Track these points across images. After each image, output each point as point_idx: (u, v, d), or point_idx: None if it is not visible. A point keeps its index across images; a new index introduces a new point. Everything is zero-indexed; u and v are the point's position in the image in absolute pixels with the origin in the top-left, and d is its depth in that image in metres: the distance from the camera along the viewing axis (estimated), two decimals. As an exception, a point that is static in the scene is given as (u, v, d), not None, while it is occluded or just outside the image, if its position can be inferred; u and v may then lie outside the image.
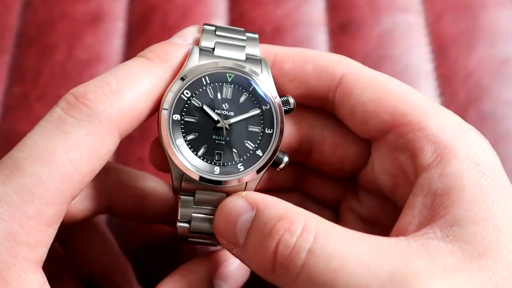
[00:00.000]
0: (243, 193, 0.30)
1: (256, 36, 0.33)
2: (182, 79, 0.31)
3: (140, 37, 0.50)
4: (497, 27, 0.50)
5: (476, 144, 0.29)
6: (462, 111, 0.46)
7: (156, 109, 0.31)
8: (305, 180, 0.37)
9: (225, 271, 0.33)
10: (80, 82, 0.49)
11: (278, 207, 0.29)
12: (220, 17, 0.51)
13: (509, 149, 0.44)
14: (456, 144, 0.29)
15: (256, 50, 0.33)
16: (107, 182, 0.35)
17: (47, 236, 0.28)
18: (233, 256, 0.32)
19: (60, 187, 0.28)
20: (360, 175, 0.34)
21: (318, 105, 0.34)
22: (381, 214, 0.34)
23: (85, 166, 0.29)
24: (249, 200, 0.30)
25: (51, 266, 0.29)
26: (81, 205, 0.34)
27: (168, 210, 0.37)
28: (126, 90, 0.30)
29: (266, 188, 0.35)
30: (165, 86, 0.31)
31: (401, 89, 0.31)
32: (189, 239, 0.32)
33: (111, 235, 0.40)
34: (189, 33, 0.34)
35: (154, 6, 0.51)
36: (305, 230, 0.28)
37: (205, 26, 0.33)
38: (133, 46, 0.49)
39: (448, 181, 0.28)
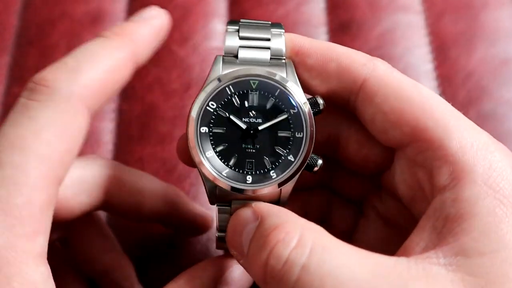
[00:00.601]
0: (253, 203, 0.30)
1: (281, 31, 0.32)
2: (206, 91, 0.30)
3: (140, 37, 0.50)
4: (498, 27, 0.50)
5: (498, 168, 0.28)
6: (462, 111, 0.45)
7: (121, 81, 0.32)
8: (332, 177, 0.36)
9: (230, 277, 0.33)
10: (80, 82, 0.49)
11: (278, 217, 0.28)
12: (220, 17, 0.51)
13: (509, 149, 0.44)
14: (476, 167, 0.27)
15: (281, 48, 0.32)
16: (103, 176, 0.35)
17: (42, 223, 0.28)
18: (237, 263, 0.32)
19: (40, 170, 0.28)
20: (383, 177, 0.33)
21: (341, 105, 0.32)
22: (400, 217, 0.33)
23: (59, 144, 0.28)
24: (255, 210, 0.29)
25: (51, 262, 0.29)
26: (78, 198, 0.34)
27: (164, 209, 0.37)
28: (84, 65, 0.30)
29: (294, 187, 0.34)
30: (124, 59, 0.32)
31: (425, 101, 0.29)
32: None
33: (112, 233, 0.40)
34: (147, 12, 0.35)
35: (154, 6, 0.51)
36: (300, 242, 0.26)
37: (228, 27, 0.32)
38: (133, 46, 0.49)
39: (461, 207, 0.27)
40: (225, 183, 0.30)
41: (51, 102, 0.29)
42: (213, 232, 0.42)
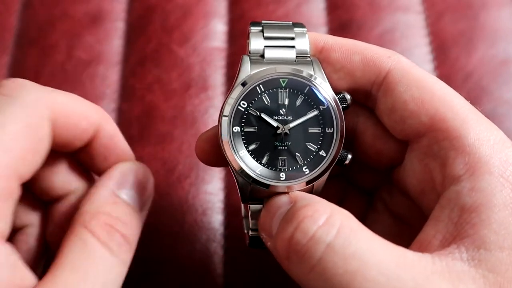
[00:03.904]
0: (290, 192, 0.30)
1: (304, 30, 0.33)
2: (237, 91, 0.31)
3: (140, 37, 0.50)
4: (497, 27, 0.50)
5: None
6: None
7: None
8: (348, 168, 0.36)
9: (127, 180, 0.33)
10: (80, 82, 0.49)
11: (310, 199, 0.28)
12: (220, 17, 0.51)
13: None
14: (492, 159, 0.28)
15: (306, 47, 0.32)
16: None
17: (2, 210, 0.28)
18: (130, 165, 0.33)
19: (2, 159, 0.28)
20: (394, 172, 0.34)
21: (361, 99, 0.33)
22: (408, 213, 0.33)
23: (23, 141, 0.29)
24: (291, 195, 0.30)
25: None
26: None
27: (79, 144, 0.35)
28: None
29: None
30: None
31: (446, 94, 0.30)
32: (263, 247, 0.32)
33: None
34: None
35: (154, 6, 0.51)
36: (328, 221, 0.27)
37: (252, 28, 0.33)
38: (133, 46, 0.49)
39: (479, 197, 0.27)
40: (257, 180, 0.30)
41: (19, 99, 0.29)
42: (214, 231, 0.42)
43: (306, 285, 0.27)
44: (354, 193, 0.37)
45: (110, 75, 0.48)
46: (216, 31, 0.50)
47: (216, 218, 0.42)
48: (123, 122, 0.46)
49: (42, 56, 0.48)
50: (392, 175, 0.34)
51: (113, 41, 0.50)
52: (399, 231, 0.32)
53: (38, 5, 0.51)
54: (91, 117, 0.32)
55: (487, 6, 0.51)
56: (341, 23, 0.51)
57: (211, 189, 0.43)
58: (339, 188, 0.37)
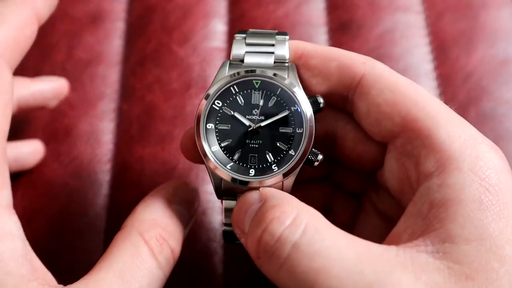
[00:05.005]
0: (261, 188, 0.31)
1: (286, 38, 0.34)
2: (211, 92, 0.33)
3: (140, 37, 0.50)
4: (497, 27, 0.50)
5: (484, 158, 0.28)
6: (462, 111, 0.46)
7: (30, 37, 0.36)
8: (334, 171, 0.38)
9: (179, 196, 0.35)
10: (80, 82, 0.49)
11: (279, 198, 0.29)
12: (220, 17, 0.51)
13: (509, 149, 0.44)
14: (462, 155, 0.28)
15: (284, 52, 0.34)
16: None
17: (3, 176, 0.30)
18: (180, 182, 0.36)
19: None
20: (378, 173, 0.34)
21: (338, 104, 0.34)
22: (395, 213, 0.34)
23: None
24: (261, 192, 0.31)
25: None
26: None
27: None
28: None
29: (298, 180, 0.35)
30: (28, 17, 0.35)
31: (418, 95, 0.31)
32: (236, 242, 0.33)
33: None
34: None
35: (154, 6, 0.51)
36: (295, 222, 0.28)
37: (236, 35, 0.35)
38: (133, 46, 0.49)
39: (447, 192, 0.28)
40: (227, 174, 0.32)
41: None
42: (207, 229, 0.42)
43: (277, 282, 0.28)
44: (343, 197, 0.37)
45: (110, 75, 0.48)
46: (216, 31, 0.50)
47: (216, 218, 0.42)
48: (123, 122, 0.46)
49: (42, 56, 0.48)
50: (376, 177, 0.35)
51: (113, 41, 0.50)
52: (388, 231, 0.32)
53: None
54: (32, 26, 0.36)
55: (487, 6, 0.51)
56: (341, 23, 0.50)
57: (211, 189, 0.43)
58: (326, 193, 0.38)
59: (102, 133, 0.46)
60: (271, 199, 0.30)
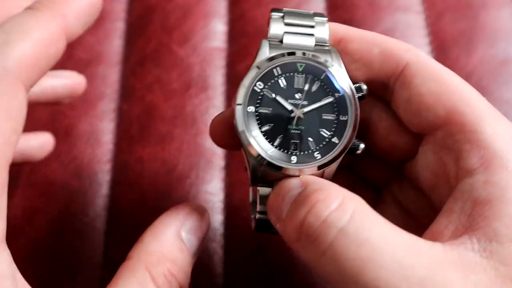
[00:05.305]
0: (301, 175, 0.30)
1: (325, 19, 0.33)
2: (254, 71, 0.31)
3: (140, 37, 0.50)
4: (497, 27, 0.50)
5: None
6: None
7: (55, 55, 0.31)
8: (358, 160, 0.37)
9: (190, 224, 0.33)
10: (80, 82, 0.49)
11: (321, 184, 0.28)
12: (220, 17, 0.51)
13: (509, 149, 0.44)
14: (508, 154, 0.28)
15: (325, 35, 0.32)
16: None
17: (0, 208, 0.27)
18: (192, 207, 0.32)
19: None
20: (406, 166, 0.34)
21: (376, 91, 0.33)
22: (419, 207, 0.33)
23: (5, 126, 0.27)
24: (302, 179, 0.30)
25: None
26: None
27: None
28: (16, 39, 0.29)
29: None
30: (56, 32, 0.30)
31: (464, 88, 0.30)
32: (270, 230, 0.32)
33: None
34: None
35: (154, 6, 0.51)
36: (341, 206, 0.27)
37: (273, 14, 0.33)
38: (133, 46, 0.49)
39: (492, 191, 0.27)
40: (267, 160, 0.30)
41: None
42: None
43: (317, 270, 0.27)
44: (362, 188, 0.37)
45: (110, 75, 0.48)
46: (216, 31, 0.50)
47: (216, 218, 0.42)
48: (123, 122, 0.46)
49: (42, 56, 0.48)
50: (404, 169, 0.34)
51: (113, 41, 0.50)
52: (406, 224, 0.32)
53: (38, 5, 0.51)
54: (59, 47, 0.31)
55: (487, 6, 0.51)
56: (341, 22, 0.50)
57: (211, 189, 0.43)
58: (346, 183, 0.37)
59: (102, 133, 0.46)
60: (313, 184, 0.29)
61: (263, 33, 0.50)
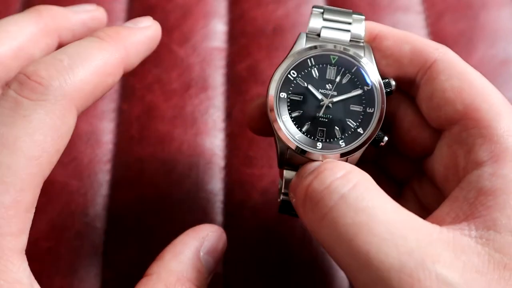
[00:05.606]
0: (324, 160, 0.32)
1: (362, 17, 0.35)
2: (289, 60, 0.33)
3: (140, 37, 0.50)
4: (498, 27, 0.50)
5: None
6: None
7: (110, 85, 0.32)
8: (381, 155, 0.38)
9: (209, 245, 0.34)
10: (80, 82, 0.48)
11: (337, 161, 0.30)
12: (220, 17, 0.51)
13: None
14: None
15: (360, 32, 0.34)
16: None
17: (27, 222, 0.28)
18: (211, 229, 0.34)
19: (31, 171, 0.28)
20: (425, 161, 0.35)
21: (404, 87, 0.34)
22: (435, 203, 0.34)
23: (50, 146, 0.29)
24: (323, 162, 0.31)
25: None
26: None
27: None
28: (79, 65, 0.30)
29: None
30: (116, 63, 0.32)
31: (485, 87, 0.31)
32: (292, 212, 0.33)
33: None
34: (141, 20, 0.35)
35: (154, 6, 0.51)
36: (346, 176, 0.28)
37: (314, 9, 0.35)
38: (133, 46, 0.49)
39: (497, 182, 0.28)
40: (295, 144, 0.32)
41: (44, 101, 0.29)
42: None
43: (316, 233, 0.28)
44: (384, 182, 0.38)
45: (110, 75, 0.48)
46: (216, 31, 0.50)
47: (216, 218, 0.42)
48: (123, 122, 0.46)
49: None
50: (423, 165, 0.35)
51: (113, 41, 0.50)
52: None
53: (38, 5, 0.51)
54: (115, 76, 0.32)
55: (487, 6, 0.51)
56: (341, 23, 0.50)
57: (211, 189, 0.43)
58: (372, 175, 0.38)
59: (102, 133, 0.46)
60: (328, 161, 0.31)
61: (263, 33, 0.50)
